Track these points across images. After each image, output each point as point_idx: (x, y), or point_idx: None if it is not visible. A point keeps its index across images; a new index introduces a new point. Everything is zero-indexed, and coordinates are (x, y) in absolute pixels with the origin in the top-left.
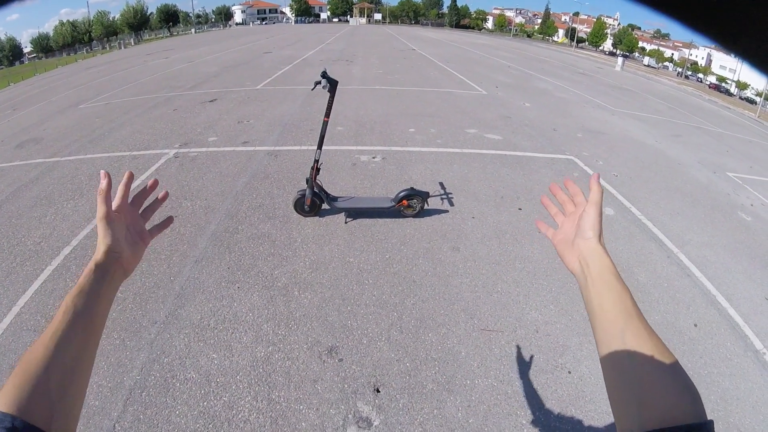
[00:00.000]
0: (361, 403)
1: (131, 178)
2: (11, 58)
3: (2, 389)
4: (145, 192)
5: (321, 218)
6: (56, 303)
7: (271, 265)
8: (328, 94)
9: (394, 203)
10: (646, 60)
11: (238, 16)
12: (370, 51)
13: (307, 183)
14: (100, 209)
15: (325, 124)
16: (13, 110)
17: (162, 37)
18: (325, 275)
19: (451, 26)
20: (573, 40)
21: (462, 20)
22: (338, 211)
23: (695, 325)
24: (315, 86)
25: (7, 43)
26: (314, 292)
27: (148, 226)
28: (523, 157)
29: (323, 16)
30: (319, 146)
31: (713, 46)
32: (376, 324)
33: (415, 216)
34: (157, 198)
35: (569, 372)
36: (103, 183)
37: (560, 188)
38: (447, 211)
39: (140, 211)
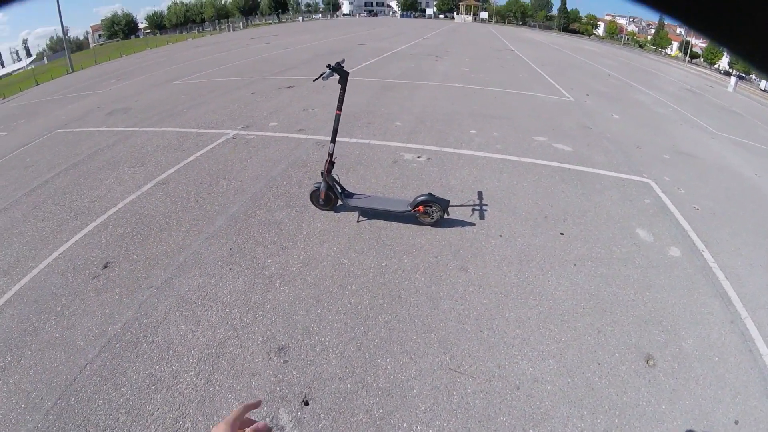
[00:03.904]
0: (283, 411)
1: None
2: (127, 31)
3: None
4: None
5: (336, 213)
6: (87, 255)
7: (267, 253)
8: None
9: (409, 208)
10: (764, 84)
11: (345, 7)
12: (465, 48)
13: (322, 176)
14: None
15: (337, 117)
16: (117, 80)
17: (270, 23)
18: (313, 272)
19: (560, 30)
20: (686, 54)
21: (571, 24)
22: (356, 208)
23: (736, 423)
24: (319, 77)
25: (124, 17)
26: (293, 288)
27: None
28: (590, 174)
29: (429, 11)
30: (333, 140)
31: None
32: (337, 334)
33: (434, 225)
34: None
35: None
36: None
37: None
38: (473, 225)
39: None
